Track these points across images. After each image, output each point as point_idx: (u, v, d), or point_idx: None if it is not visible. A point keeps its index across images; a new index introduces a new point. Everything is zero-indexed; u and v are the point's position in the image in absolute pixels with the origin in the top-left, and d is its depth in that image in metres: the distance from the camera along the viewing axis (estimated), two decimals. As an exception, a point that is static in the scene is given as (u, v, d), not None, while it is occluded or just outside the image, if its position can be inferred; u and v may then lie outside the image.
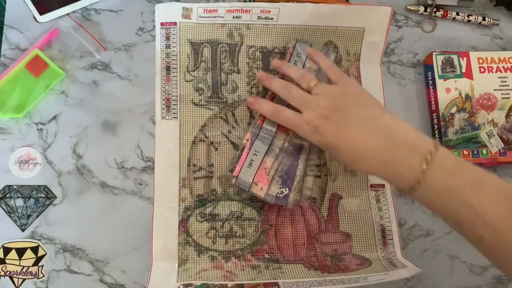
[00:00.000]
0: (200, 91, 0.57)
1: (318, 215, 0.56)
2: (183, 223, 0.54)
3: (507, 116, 0.61)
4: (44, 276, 0.52)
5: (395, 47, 0.63)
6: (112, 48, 0.58)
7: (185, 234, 0.53)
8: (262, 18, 0.57)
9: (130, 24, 0.59)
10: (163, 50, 0.57)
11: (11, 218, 0.53)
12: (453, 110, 0.60)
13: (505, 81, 0.61)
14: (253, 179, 0.51)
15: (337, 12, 0.57)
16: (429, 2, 0.64)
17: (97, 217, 0.54)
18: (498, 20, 0.65)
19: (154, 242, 0.52)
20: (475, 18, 0.65)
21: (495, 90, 0.61)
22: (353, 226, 0.56)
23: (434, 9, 0.64)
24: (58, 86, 0.56)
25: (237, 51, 0.58)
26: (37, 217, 0.54)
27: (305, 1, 0.59)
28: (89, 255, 0.53)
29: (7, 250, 0.52)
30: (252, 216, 0.55)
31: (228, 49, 0.58)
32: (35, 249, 0.53)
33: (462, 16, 0.64)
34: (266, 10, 0.56)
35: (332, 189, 0.57)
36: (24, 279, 0.52)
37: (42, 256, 0.53)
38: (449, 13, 0.64)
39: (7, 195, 0.54)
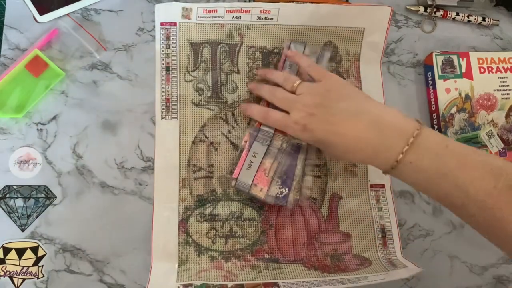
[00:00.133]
0: (200, 91, 0.57)
1: (318, 215, 0.56)
2: (183, 223, 0.54)
3: (507, 116, 0.61)
4: (44, 276, 0.52)
5: (395, 47, 0.63)
6: (112, 48, 0.58)
7: (185, 234, 0.53)
8: (262, 18, 0.57)
9: (130, 24, 0.59)
10: (163, 50, 0.57)
11: (11, 218, 0.53)
12: (453, 110, 0.60)
13: (505, 82, 0.61)
14: (252, 180, 0.51)
15: (337, 12, 0.57)
16: (429, 2, 0.64)
17: (97, 217, 0.54)
18: (498, 21, 0.65)
19: (154, 242, 0.52)
20: (475, 19, 0.65)
21: (495, 90, 0.61)
22: (353, 226, 0.56)
23: (434, 9, 0.64)
24: (58, 86, 0.56)
25: (237, 51, 0.58)
26: (37, 217, 0.53)
27: (305, 1, 0.59)
28: (89, 255, 0.53)
29: (7, 250, 0.52)
30: (252, 216, 0.55)
31: (228, 49, 0.58)
32: (35, 249, 0.53)
33: (462, 16, 0.64)
34: (266, 10, 0.56)
35: (332, 189, 0.57)
36: (24, 279, 0.52)
37: (42, 256, 0.53)
38: (449, 13, 0.64)
39: (7, 195, 0.54)
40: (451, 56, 0.61)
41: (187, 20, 0.56)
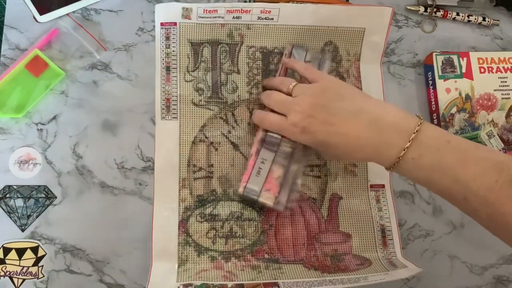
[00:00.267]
0: (200, 91, 0.57)
1: (318, 215, 0.56)
2: (183, 223, 0.54)
3: (507, 116, 0.61)
4: (44, 276, 0.52)
5: (395, 47, 0.63)
6: (112, 48, 0.58)
7: (185, 234, 0.53)
8: (262, 19, 0.57)
9: (130, 24, 0.59)
10: (163, 50, 0.57)
11: (11, 218, 0.53)
12: (453, 110, 0.60)
13: (505, 82, 0.61)
14: (262, 187, 0.50)
15: (337, 12, 0.57)
16: (429, 2, 0.63)
17: (97, 217, 0.54)
18: (498, 20, 0.65)
19: (154, 242, 0.52)
20: (475, 19, 0.65)
21: (495, 90, 0.61)
22: (353, 226, 0.56)
23: (434, 9, 0.64)
24: (58, 86, 0.56)
25: (237, 51, 0.58)
26: (37, 217, 0.53)
27: (305, 2, 0.59)
28: (89, 255, 0.53)
29: (7, 250, 0.52)
30: (252, 217, 0.55)
31: (228, 49, 0.58)
32: (35, 249, 0.53)
33: (462, 16, 0.64)
34: (267, 11, 0.56)
35: (332, 189, 0.57)
36: (24, 279, 0.52)
37: (42, 256, 0.53)
38: (449, 13, 0.64)
39: (7, 195, 0.54)
40: (451, 56, 0.61)
41: (187, 20, 0.56)
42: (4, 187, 0.54)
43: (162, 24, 0.57)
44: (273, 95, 0.51)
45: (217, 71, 0.58)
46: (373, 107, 0.47)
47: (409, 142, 0.43)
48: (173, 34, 0.57)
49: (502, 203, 0.40)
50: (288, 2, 0.59)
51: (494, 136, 0.58)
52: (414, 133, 0.43)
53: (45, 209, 0.54)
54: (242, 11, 0.56)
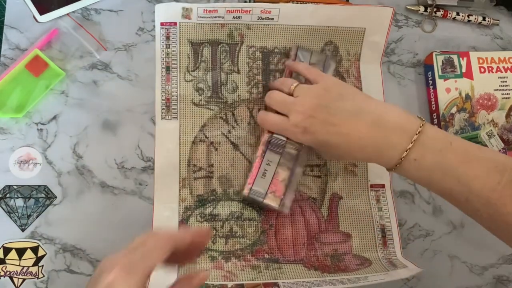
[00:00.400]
0: (200, 91, 0.57)
1: (318, 215, 0.56)
2: (183, 223, 0.54)
3: (507, 116, 0.61)
4: (44, 276, 0.52)
5: (395, 47, 0.63)
6: (112, 48, 0.58)
7: (185, 234, 0.53)
8: (263, 19, 0.57)
9: (130, 24, 0.59)
10: (163, 50, 0.57)
11: (11, 218, 0.53)
12: (453, 110, 0.60)
13: (505, 81, 0.61)
14: (267, 189, 0.51)
15: (338, 12, 0.57)
16: (429, 2, 0.63)
17: (97, 217, 0.54)
18: (498, 20, 0.65)
19: (154, 242, 0.52)
20: (475, 18, 0.65)
21: (495, 90, 0.61)
22: (353, 226, 0.56)
23: (434, 9, 0.64)
24: (58, 86, 0.56)
25: (237, 51, 0.58)
26: (37, 217, 0.53)
27: (305, 2, 0.59)
28: (89, 255, 0.53)
29: (7, 250, 0.52)
30: (252, 216, 0.55)
31: (228, 49, 0.58)
32: (35, 249, 0.53)
33: (462, 16, 0.64)
34: (267, 11, 0.56)
35: (332, 189, 0.57)
36: (24, 279, 0.52)
37: (42, 256, 0.53)
38: (449, 13, 0.64)
39: (7, 195, 0.54)
40: (451, 56, 0.61)
41: (187, 20, 0.56)
42: (4, 187, 0.54)
43: (162, 24, 0.57)
44: (274, 95, 0.51)
45: (217, 71, 0.58)
46: (374, 107, 0.47)
47: (411, 143, 0.43)
48: (173, 34, 0.57)
49: (504, 203, 0.40)
50: (288, 2, 0.59)
51: (494, 136, 0.58)
52: (416, 134, 0.43)
53: (45, 209, 0.54)
54: (242, 11, 0.56)
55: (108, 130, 0.56)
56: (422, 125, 0.44)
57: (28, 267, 0.52)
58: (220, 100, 0.57)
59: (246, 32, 0.58)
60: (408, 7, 0.64)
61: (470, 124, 0.60)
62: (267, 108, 0.55)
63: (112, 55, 0.58)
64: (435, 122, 0.61)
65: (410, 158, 0.43)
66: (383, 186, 0.58)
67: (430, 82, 0.61)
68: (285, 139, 0.51)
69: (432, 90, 0.61)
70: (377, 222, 0.57)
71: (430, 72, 0.61)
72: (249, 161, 0.55)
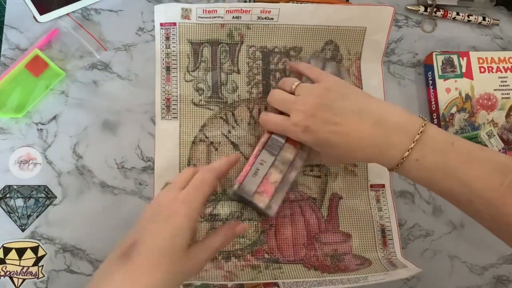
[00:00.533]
0: (200, 91, 0.57)
1: (318, 215, 0.56)
2: (183, 223, 0.54)
3: (507, 116, 0.61)
4: (44, 276, 0.52)
5: (395, 47, 0.63)
6: (112, 48, 0.58)
7: (185, 234, 0.53)
8: (262, 18, 0.57)
9: (130, 24, 0.59)
10: (163, 50, 0.57)
11: (11, 218, 0.53)
12: (453, 110, 0.60)
13: (505, 81, 0.61)
14: (257, 188, 0.49)
15: (338, 12, 0.57)
16: (429, 2, 0.63)
17: (97, 217, 0.54)
18: (498, 20, 0.65)
19: (154, 242, 0.52)
20: (475, 18, 0.65)
21: (495, 90, 0.61)
22: (353, 226, 0.56)
23: (434, 9, 0.64)
24: (58, 86, 0.56)
25: (237, 51, 0.58)
26: (37, 217, 0.54)
27: (305, 2, 0.59)
28: (89, 255, 0.53)
29: (7, 250, 0.52)
30: (252, 216, 0.55)
31: (228, 49, 0.58)
32: (35, 249, 0.53)
33: (462, 16, 0.64)
34: (266, 11, 0.56)
35: (332, 189, 0.57)
36: (24, 279, 0.52)
37: (42, 256, 0.53)
38: (449, 13, 0.64)
39: (7, 195, 0.54)
40: (451, 55, 0.61)
41: (186, 20, 0.56)
42: (4, 187, 0.54)
43: (161, 24, 0.57)
44: (275, 93, 0.51)
45: (217, 71, 0.58)
46: (376, 107, 0.46)
47: (413, 143, 0.43)
48: (173, 34, 0.57)
49: (506, 204, 0.40)
50: (288, 2, 0.59)
51: (494, 136, 0.58)
52: (418, 134, 0.43)
53: (45, 209, 0.54)
54: (242, 11, 0.56)
55: (108, 130, 0.56)
56: (424, 125, 0.43)
57: (28, 267, 0.52)
58: (220, 100, 0.57)
59: (246, 32, 0.58)
60: (408, 7, 0.64)
61: (470, 124, 0.60)
62: (267, 109, 0.55)
63: (112, 55, 0.58)
64: (435, 122, 0.61)
65: (411, 158, 0.43)
66: (383, 186, 0.58)
67: (430, 82, 0.61)
68: (283, 141, 0.50)
69: (432, 90, 0.61)
70: (377, 222, 0.57)
71: (430, 72, 0.61)
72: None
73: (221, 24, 0.57)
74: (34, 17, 0.57)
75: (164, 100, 0.56)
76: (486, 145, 0.58)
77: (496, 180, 0.40)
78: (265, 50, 0.59)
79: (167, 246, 0.38)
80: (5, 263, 0.52)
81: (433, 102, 0.61)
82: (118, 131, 0.56)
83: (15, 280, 0.52)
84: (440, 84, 0.60)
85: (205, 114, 0.57)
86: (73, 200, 0.54)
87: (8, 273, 0.52)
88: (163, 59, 0.57)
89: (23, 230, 0.53)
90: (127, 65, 0.58)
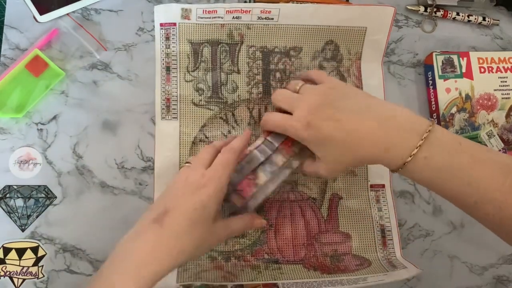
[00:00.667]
0: (200, 91, 0.57)
1: (318, 215, 0.56)
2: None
3: (507, 116, 0.61)
4: (44, 276, 0.52)
5: (395, 47, 0.63)
6: (112, 48, 0.58)
7: (185, 234, 0.53)
8: (262, 18, 0.57)
9: (130, 24, 0.59)
10: (163, 50, 0.57)
11: (11, 218, 0.53)
12: (453, 110, 0.60)
13: (505, 81, 0.61)
14: (236, 185, 0.48)
15: (338, 12, 0.57)
16: (429, 2, 0.63)
17: (97, 217, 0.54)
18: (498, 20, 0.65)
19: (154, 242, 0.52)
20: (475, 18, 0.64)
21: (495, 90, 0.61)
22: (353, 226, 0.56)
23: (434, 9, 0.64)
24: (58, 86, 0.56)
25: (237, 51, 0.58)
26: (37, 217, 0.54)
27: (305, 2, 0.59)
28: (89, 255, 0.53)
29: (7, 250, 0.52)
30: (252, 216, 0.55)
31: (228, 49, 0.58)
32: (35, 249, 0.53)
33: (462, 16, 0.64)
34: (267, 11, 0.56)
35: (332, 189, 0.57)
36: (24, 279, 0.52)
37: (42, 256, 0.53)
38: (449, 13, 0.64)
39: (7, 195, 0.54)
40: (451, 56, 0.61)
41: (186, 20, 0.56)
42: (4, 187, 0.54)
43: (161, 24, 0.57)
44: (279, 92, 0.50)
45: (217, 71, 0.58)
46: (381, 106, 0.45)
47: (421, 140, 0.42)
48: (172, 35, 0.57)
49: (509, 204, 0.39)
50: (288, 2, 0.59)
51: (494, 136, 0.58)
52: (427, 132, 0.42)
53: (45, 209, 0.54)
54: (242, 11, 0.56)
55: (108, 130, 0.56)
56: (431, 125, 0.43)
57: (28, 267, 0.52)
58: (220, 100, 0.57)
59: (246, 32, 0.58)
60: (408, 7, 0.64)
61: (470, 124, 0.60)
62: (268, 110, 0.54)
63: (112, 55, 0.58)
64: (435, 122, 0.61)
65: (420, 156, 0.42)
66: (383, 186, 0.58)
67: (430, 82, 0.61)
68: (276, 145, 0.49)
69: (432, 90, 0.61)
70: (377, 222, 0.57)
71: (430, 72, 0.61)
72: None
73: (221, 24, 0.57)
74: (34, 17, 0.57)
75: (164, 100, 0.56)
76: (486, 145, 0.59)
77: (499, 181, 0.40)
78: (265, 50, 0.59)
79: (197, 216, 0.42)
80: (5, 263, 0.52)
81: (433, 102, 0.61)
82: (118, 131, 0.56)
83: (15, 280, 0.52)
84: (440, 84, 0.60)
85: (205, 114, 0.57)
86: (73, 200, 0.54)
87: (8, 273, 0.52)
88: (163, 59, 0.57)
89: (23, 230, 0.53)
90: (127, 65, 0.58)
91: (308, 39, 0.59)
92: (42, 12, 0.57)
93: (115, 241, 0.53)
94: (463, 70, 0.61)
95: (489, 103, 0.61)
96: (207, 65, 0.58)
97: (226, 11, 0.56)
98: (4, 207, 0.53)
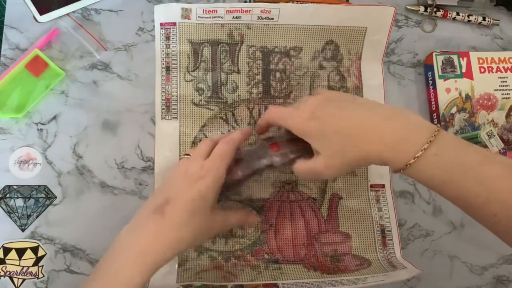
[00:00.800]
0: (200, 91, 0.57)
1: (318, 216, 0.56)
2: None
3: (507, 116, 0.61)
4: (44, 276, 0.52)
5: (395, 47, 0.63)
6: (112, 48, 0.58)
7: (185, 234, 0.53)
8: (263, 18, 0.57)
9: (130, 24, 0.59)
10: (163, 50, 0.57)
11: (11, 218, 0.53)
12: (453, 110, 0.60)
13: (505, 81, 0.61)
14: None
15: (339, 12, 0.57)
16: (429, 2, 0.63)
17: (97, 217, 0.54)
18: (498, 20, 0.65)
19: (154, 242, 0.52)
20: (475, 18, 0.64)
21: (495, 90, 0.61)
22: (353, 226, 0.56)
23: (434, 9, 0.64)
24: (58, 86, 0.56)
25: (237, 51, 0.58)
26: (37, 217, 0.54)
27: (305, 2, 0.59)
28: (89, 255, 0.53)
29: (7, 250, 0.52)
30: (252, 216, 0.55)
31: (228, 49, 0.58)
32: (35, 249, 0.53)
33: (462, 16, 0.64)
34: (267, 11, 0.56)
35: (332, 189, 0.57)
36: (24, 279, 0.52)
37: (42, 256, 0.53)
38: (449, 13, 0.64)
39: (7, 195, 0.54)
40: (451, 56, 0.61)
41: (186, 20, 0.56)
42: (4, 187, 0.54)
43: (161, 24, 0.57)
44: (274, 107, 0.49)
45: (217, 71, 0.58)
46: (387, 107, 0.45)
47: (432, 136, 0.40)
48: (173, 34, 0.57)
49: None
50: (288, 2, 0.59)
51: (494, 136, 0.58)
52: (436, 130, 0.41)
53: (45, 209, 0.54)
54: (242, 11, 0.56)
55: (108, 130, 0.56)
56: (439, 128, 0.41)
57: (28, 267, 0.52)
58: (220, 100, 0.57)
59: (246, 32, 0.58)
60: (408, 7, 0.64)
61: (470, 124, 0.60)
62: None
63: (112, 55, 0.58)
64: (435, 122, 0.61)
65: (430, 153, 0.40)
66: (383, 186, 0.58)
67: (430, 82, 0.61)
68: (267, 144, 0.48)
69: (432, 90, 0.61)
70: (377, 222, 0.57)
71: (430, 72, 0.61)
72: None
73: (221, 24, 0.57)
74: (34, 17, 0.57)
75: (164, 100, 0.56)
76: (486, 145, 0.58)
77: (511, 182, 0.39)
78: (265, 50, 0.59)
79: (196, 207, 0.43)
80: (5, 263, 0.52)
81: (433, 102, 0.61)
82: (118, 131, 0.56)
83: (15, 280, 0.52)
84: (440, 84, 0.60)
85: (205, 114, 0.57)
86: (73, 200, 0.54)
87: (8, 273, 0.52)
88: (163, 59, 0.57)
89: (23, 230, 0.53)
90: (127, 65, 0.58)
91: (308, 39, 0.59)
92: (42, 12, 0.57)
93: (115, 241, 0.53)
94: (463, 70, 0.61)
95: (489, 103, 0.61)
96: (207, 65, 0.58)
97: (226, 11, 0.56)
98: (4, 207, 0.53)
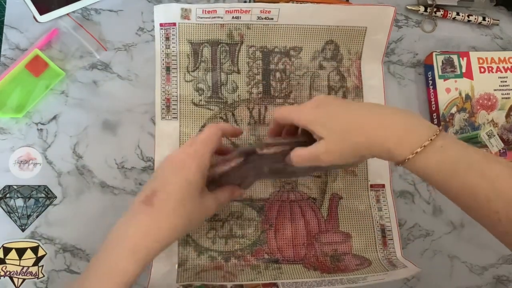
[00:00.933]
0: (200, 91, 0.57)
1: (318, 215, 0.56)
2: (183, 223, 0.54)
3: (507, 116, 0.61)
4: (44, 276, 0.52)
5: (395, 47, 0.63)
6: (112, 48, 0.58)
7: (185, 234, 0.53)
8: (262, 18, 0.57)
9: (130, 24, 0.59)
10: (163, 50, 0.57)
11: (11, 218, 0.53)
12: (453, 110, 0.60)
13: (505, 81, 0.61)
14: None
15: (339, 12, 0.57)
16: (429, 2, 0.63)
17: (97, 217, 0.54)
18: (498, 20, 0.65)
19: (154, 242, 0.52)
20: (475, 18, 0.64)
21: (495, 90, 0.61)
22: (353, 226, 0.56)
23: (434, 9, 0.64)
24: (58, 86, 0.56)
25: (237, 51, 0.58)
26: (37, 217, 0.54)
27: (305, 2, 0.59)
28: (89, 255, 0.53)
29: (7, 250, 0.52)
30: (252, 216, 0.55)
31: (228, 49, 0.58)
32: (35, 249, 0.53)
33: (462, 16, 0.64)
34: (266, 11, 0.56)
35: (332, 189, 0.57)
36: (24, 279, 0.52)
37: (42, 256, 0.53)
38: (449, 13, 0.64)
39: (7, 195, 0.54)
40: (451, 56, 0.61)
41: (186, 20, 0.56)
42: (4, 187, 0.54)
43: (161, 24, 0.57)
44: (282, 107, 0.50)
45: (217, 71, 0.58)
46: (390, 107, 0.45)
47: (438, 130, 0.41)
48: (172, 35, 0.57)
49: None
50: (288, 2, 0.59)
51: (494, 136, 0.58)
52: (439, 128, 0.41)
53: (45, 209, 0.54)
54: (242, 11, 0.56)
55: (108, 130, 0.56)
56: (440, 129, 0.42)
57: (28, 267, 0.52)
58: (220, 100, 0.57)
59: (246, 32, 0.58)
60: (408, 7, 0.64)
61: (470, 124, 0.60)
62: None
63: (112, 55, 0.58)
64: (435, 122, 0.61)
65: (436, 144, 0.40)
66: (383, 186, 0.58)
67: (430, 82, 0.61)
68: (258, 149, 0.47)
69: (432, 90, 0.61)
70: (377, 222, 0.57)
71: (430, 72, 0.61)
72: None
73: (221, 24, 0.57)
74: (34, 17, 0.57)
75: (164, 100, 0.56)
76: (486, 145, 0.58)
77: None
78: (265, 50, 0.59)
79: (184, 193, 0.43)
80: (5, 263, 0.52)
81: (433, 102, 0.61)
82: (118, 131, 0.56)
83: (15, 280, 0.52)
84: (440, 84, 0.60)
85: (205, 114, 0.57)
86: (73, 200, 0.54)
87: (8, 273, 0.52)
88: (163, 59, 0.57)
89: (23, 230, 0.53)
90: (127, 65, 0.58)
91: (308, 39, 0.59)
92: (42, 12, 0.57)
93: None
94: (463, 70, 0.61)
95: (489, 103, 0.61)
96: (207, 65, 0.58)
97: (226, 11, 0.56)
98: (4, 207, 0.53)
